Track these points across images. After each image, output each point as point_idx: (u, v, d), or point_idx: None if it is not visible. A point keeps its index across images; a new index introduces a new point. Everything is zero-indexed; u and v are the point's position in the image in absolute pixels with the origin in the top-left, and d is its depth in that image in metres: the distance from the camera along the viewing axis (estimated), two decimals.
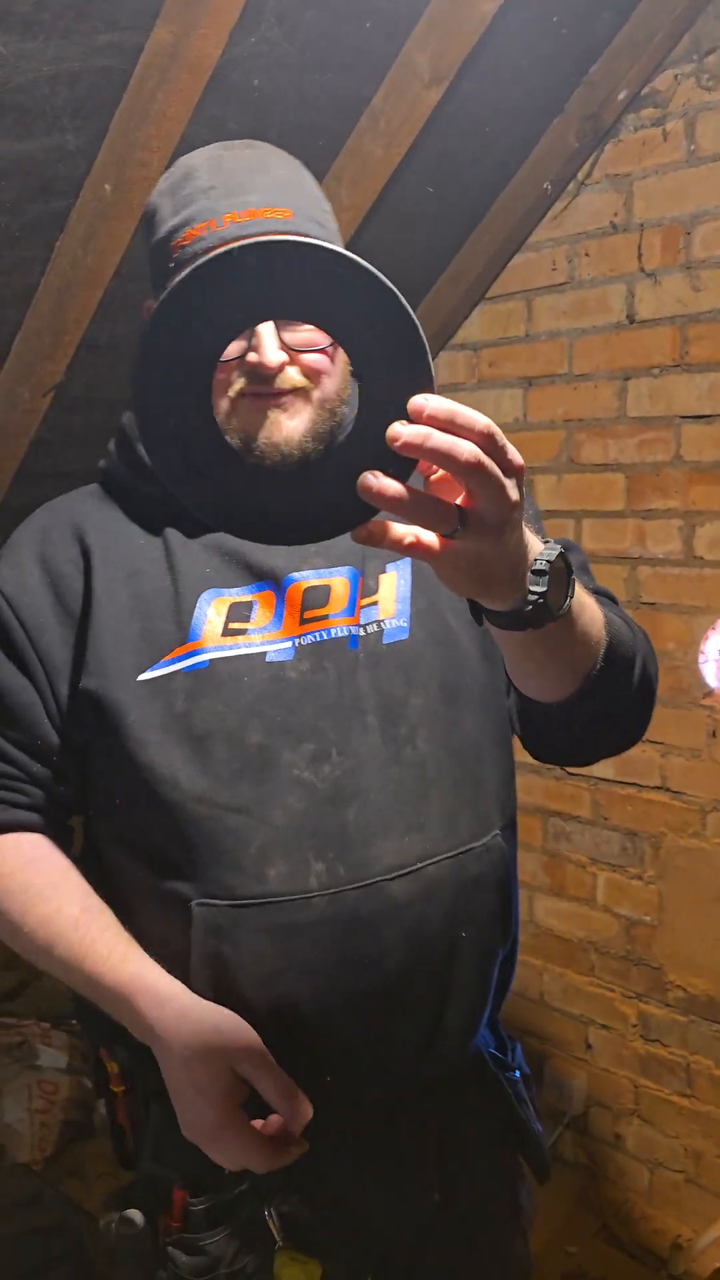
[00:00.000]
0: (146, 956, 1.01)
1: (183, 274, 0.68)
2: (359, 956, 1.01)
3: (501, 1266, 1.23)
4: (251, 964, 1.00)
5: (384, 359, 0.68)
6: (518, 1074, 1.22)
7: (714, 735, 2.10)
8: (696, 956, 2.17)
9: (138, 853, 1.05)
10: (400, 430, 0.66)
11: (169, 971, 1.01)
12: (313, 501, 0.71)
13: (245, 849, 1.00)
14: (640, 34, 1.97)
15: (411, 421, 0.66)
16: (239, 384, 1.00)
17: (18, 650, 1.07)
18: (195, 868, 1.01)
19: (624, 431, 2.18)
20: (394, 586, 1.08)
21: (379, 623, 1.06)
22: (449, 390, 2.46)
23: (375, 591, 1.08)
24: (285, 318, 0.70)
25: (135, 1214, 1.10)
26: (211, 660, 1.02)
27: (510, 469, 0.69)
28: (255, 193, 1.00)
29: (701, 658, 2.10)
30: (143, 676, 1.02)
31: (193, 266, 0.67)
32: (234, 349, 1.00)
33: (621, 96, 2.06)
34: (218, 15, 1.46)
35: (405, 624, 1.07)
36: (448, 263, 2.27)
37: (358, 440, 0.69)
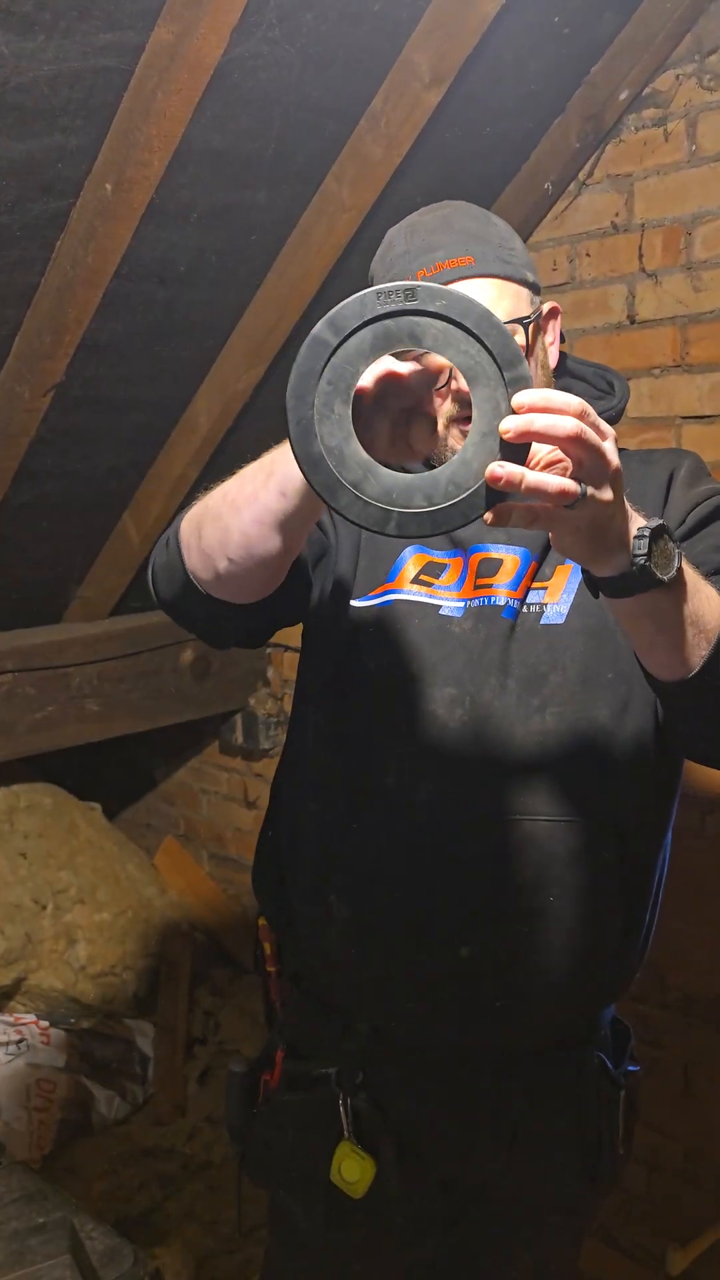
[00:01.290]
0: None
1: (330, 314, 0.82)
2: (443, 877, 1.17)
3: (544, 1260, 1.33)
4: (356, 850, 1.20)
5: (489, 370, 0.82)
6: (623, 1094, 1.31)
7: None
8: (696, 958, 2.17)
9: (310, 748, 1.29)
10: (509, 423, 0.79)
11: (304, 847, 1.26)
12: (443, 495, 0.83)
13: (375, 755, 1.21)
14: (641, 34, 1.97)
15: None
16: (449, 410, 1.16)
17: None
18: (338, 755, 1.24)
19: (625, 431, 2.18)
20: (566, 579, 1.22)
21: (542, 605, 1.20)
22: None
23: (549, 579, 1.22)
24: (409, 346, 0.83)
25: (243, 1061, 1.37)
26: (395, 601, 1.23)
27: (604, 435, 0.82)
28: (440, 249, 1.17)
29: None
30: (354, 603, 1.25)
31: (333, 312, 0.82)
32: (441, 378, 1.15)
33: (623, 97, 2.06)
34: (219, 15, 1.46)
35: (564, 611, 1.20)
36: None
37: (476, 441, 0.82)
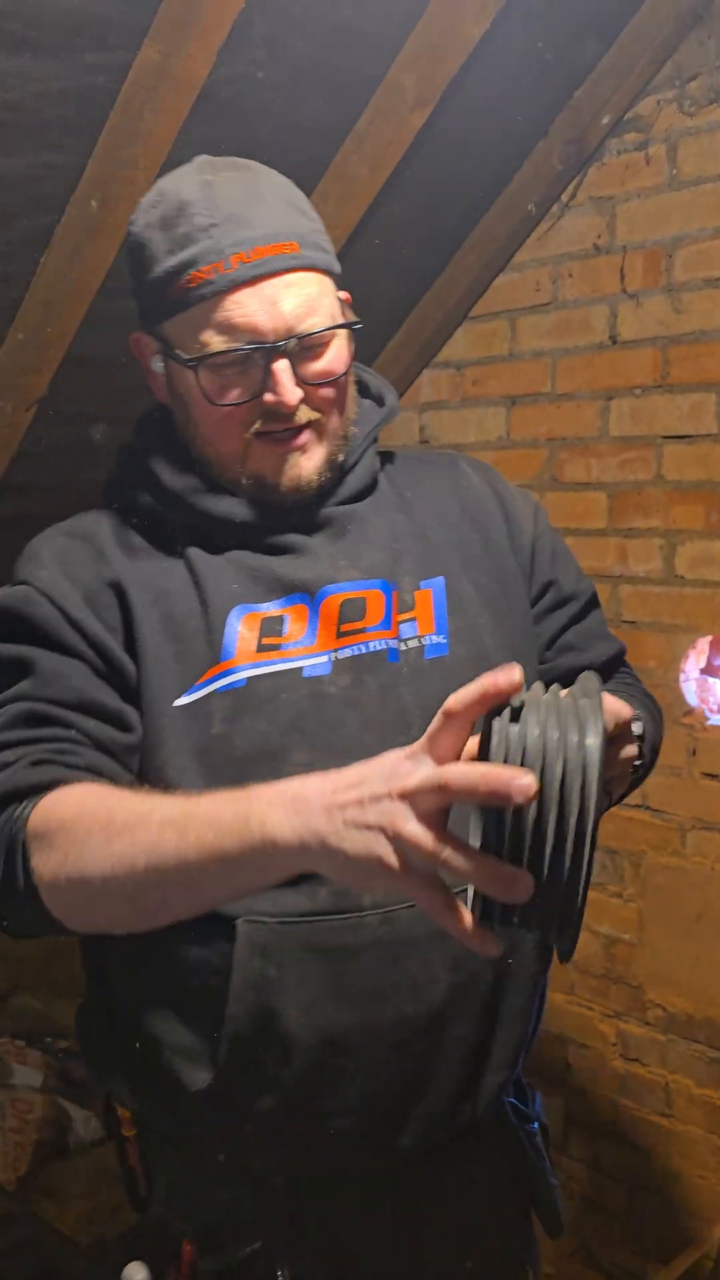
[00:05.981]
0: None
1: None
2: (408, 983, 0.98)
3: None
4: (297, 986, 0.95)
5: None
6: (536, 1125, 1.19)
7: (694, 754, 2.11)
8: (676, 975, 2.17)
9: None
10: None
11: (205, 1000, 0.96)
12: None
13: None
14: (623, 60, 1.99)
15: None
16: (256, 424, 1.01)
17: (56, 631, 0.98)
18: None
19: (606, 451, 2.20)
20: (430, 604, 1.07)
21: (419, 638, 1.04)
22: (434, 407, 2.47)
23: (412, 607, 1.06)
24: None
25: (140, 1267, 1.04)
26: (248, 679, 0.98)
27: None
28: (257, 227, 0.98)
29: (682, 676, 2.11)
30: (179, 702, 0.98)
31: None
32: (248, 389, 0.99)
33: (605, 121, 2.09)
34: (206, 36, 1.47)
35: (444, 640, 1.05)
36: (432, 282, 2.28)
37: None
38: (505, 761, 0.69)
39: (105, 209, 1.62)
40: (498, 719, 0.72)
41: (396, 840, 0.68)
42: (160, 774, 0.97)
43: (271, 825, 0.73)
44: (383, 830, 0.69)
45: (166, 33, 1.46)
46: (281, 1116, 0.99)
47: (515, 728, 0.71)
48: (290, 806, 0.74)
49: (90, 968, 1.11)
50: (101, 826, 0.83)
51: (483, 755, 0.71)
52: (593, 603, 1.22)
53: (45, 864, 0.85)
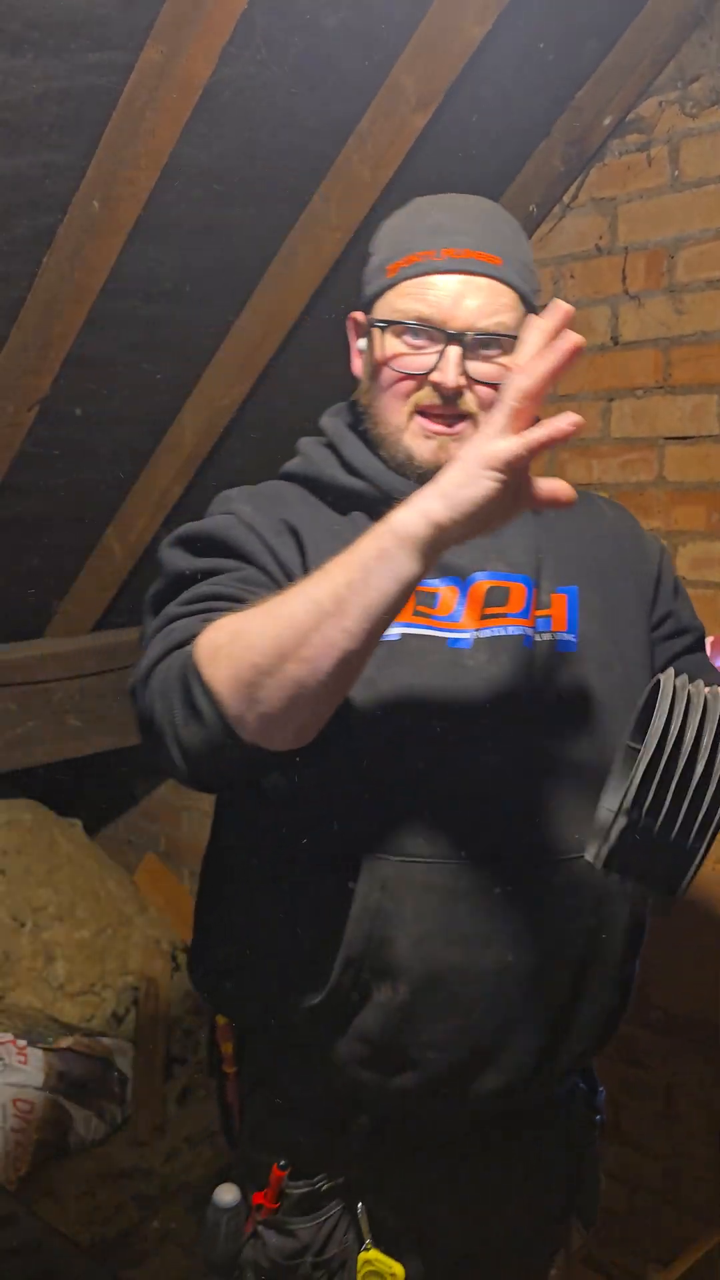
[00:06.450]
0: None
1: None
2: (510, 932, 1.07)
3: None
4: (411, 921, 1.05)
5: None
6: (600, 1119, 1.30)
7: None
8: (678, 977, 2.17)
9: (309, 806, 1.08)
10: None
11: (324, 926, 1.07)
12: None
13: (419, 811, 1.07)
14: (625, 61, 1.99)
15: None
16: (420, 397, 1.11)
17: (253, 552, 1.10)
18: (369, 824, 1.06)
19: (608, 451, 2.20)
20: (565, 607, 1.17)
21: (553, 634, 1.15)
22: None
23: (549, 606, 1.16)
24: None
25: (231, 1189, 1.17)
26: (402, 634, 1.09)
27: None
28: (473, 235, 1.11)
29: None
30: None
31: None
32: (421, 364, 1.10)
33: (606, 122, 2.09)
34: (207, 36, 1.47)
35: (574, 639, 1.15)
36: None
37: None
38: (672, 704, 0.82)
39: (107, 209, 1.62)
40: (665, 674, 0.85)
41: (495, 468, 0.84)
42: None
43: (398, 524, 0.87)
44: (485, 471, 0.84)
45: (168, 32, 1.46)
46: (378, 1044, 1.08)
47: (682, 680, 0.84)
48: (412, 506, 0.87)
49: (209, 901, 1.22)
50: (262, 613, 0.93)
51: (649, 704, 0.85)
52: (703, 643, 1.31)
53: (217, 673, 0.93)
